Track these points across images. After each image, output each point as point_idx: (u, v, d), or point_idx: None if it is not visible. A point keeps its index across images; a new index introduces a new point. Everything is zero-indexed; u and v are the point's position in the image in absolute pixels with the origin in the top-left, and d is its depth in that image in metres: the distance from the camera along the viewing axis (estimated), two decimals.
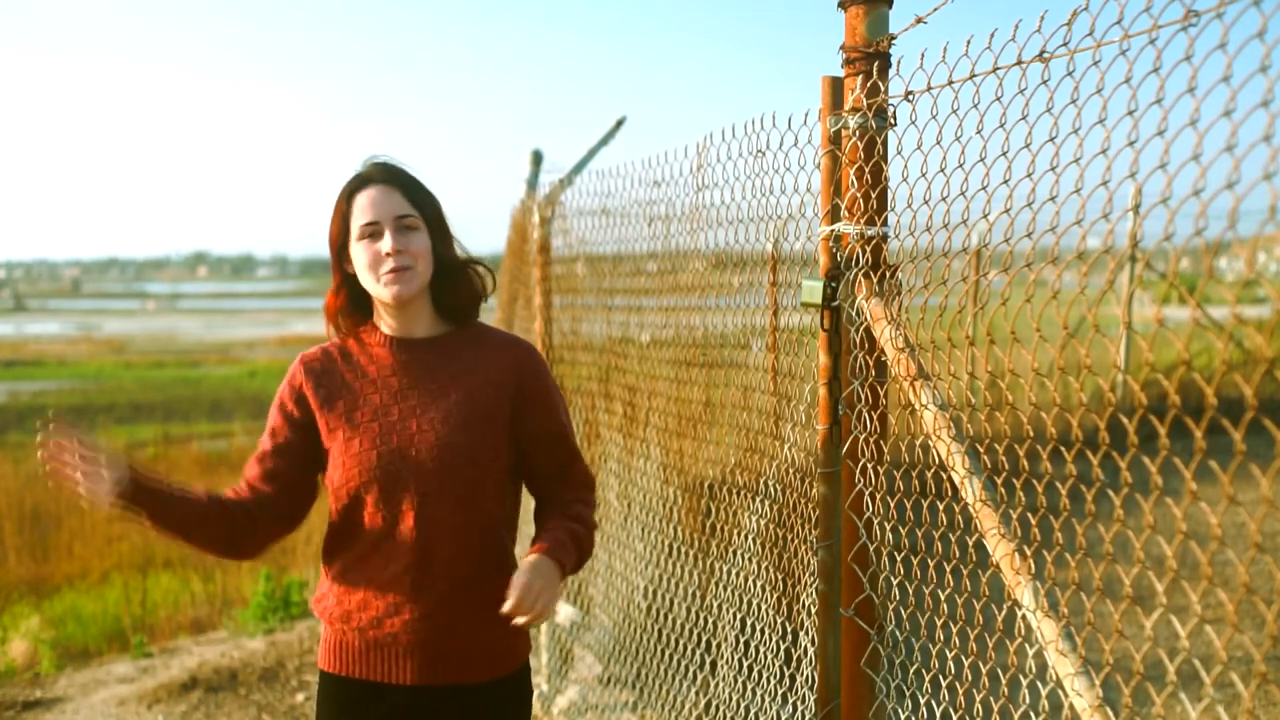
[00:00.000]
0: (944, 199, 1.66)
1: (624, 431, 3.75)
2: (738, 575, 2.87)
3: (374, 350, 1.94)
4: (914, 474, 1.79)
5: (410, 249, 1.83)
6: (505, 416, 1.91)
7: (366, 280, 1.86)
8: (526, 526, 2.76)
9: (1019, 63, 1.48)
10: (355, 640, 1.91)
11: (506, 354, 1.95)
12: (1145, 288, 12.31)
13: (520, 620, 1.72)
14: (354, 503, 1.89)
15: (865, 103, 1.81)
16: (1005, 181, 1.51)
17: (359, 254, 1.85)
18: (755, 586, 2.75)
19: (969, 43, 1.56)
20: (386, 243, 1.82)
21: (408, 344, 1.93)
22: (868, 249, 1.83)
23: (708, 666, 3.12)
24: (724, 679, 2.98)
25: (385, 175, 1.87)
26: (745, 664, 2.83)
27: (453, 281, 1.94)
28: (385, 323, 1.93)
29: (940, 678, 1.74)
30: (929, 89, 1.69)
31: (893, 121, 1.81)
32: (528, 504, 2.16)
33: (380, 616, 1.88)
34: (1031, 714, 1.50)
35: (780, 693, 2.63)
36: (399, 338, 1.93)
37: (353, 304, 1.94)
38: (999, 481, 1.57)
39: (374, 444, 1.86)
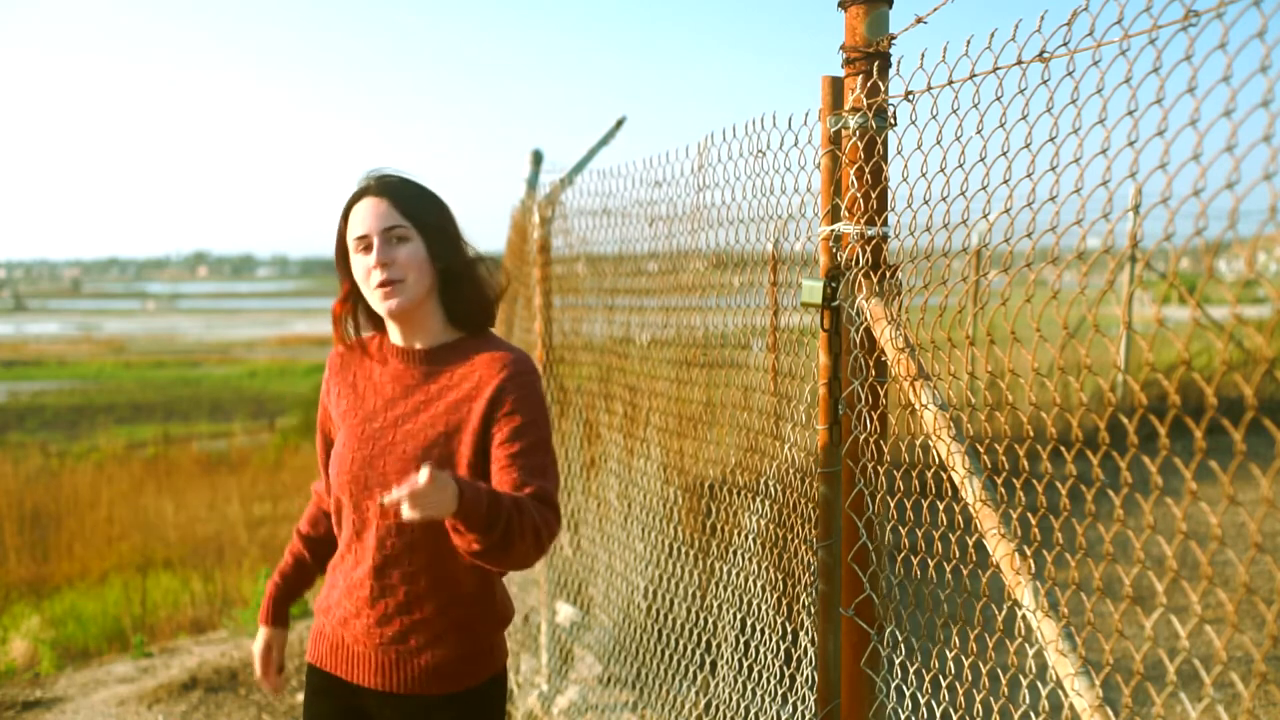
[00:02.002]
0: (944, 199, 1.66)
1: (624, 431, 3.75)
2: (738, 575, 2.87)
3: (383, 354, 1.97)
4: (914, 474, 1.79)
5: (398, 261, 1.82)
6: (478, 434, 1.84)
7: (364, 293, 1.89)
8: None
9: (1019, 63, 1.48)
10: (329, 635, 1.98)
11: (493, 371, 1.86)
12: (1145, 288, 12.31)
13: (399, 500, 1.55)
14: (338, 502, 1.95)
15: (865, 103, 1.81)
16: (1005, 181, 1.51)
17: (355, 267, 1.87)
18: (755, 586, 2.75)
19: (969, 43, 1.56)
20: (373, 256, 1.82)
21: (407, 353, 1.94)
22: (868, 249, 1.83)
23: (708, 666, 3.12)
24: (724, 679, 2.98)
25: (378, 187, 1.86)
26: (745, 664, 2.83)
27: (460, 287, 1.92)
28: (390, 331, 1.95)
29: (940, 678, 1.74)
30: (929, 89, 1.69)
31: (893, 121, 1.81)
32: None
33: (346, 616, 1.93)
34: (1031, 714, 1.50)
35: (780, 693, 2.63)
36: (401, 347, 1.95)
37: (365, 311, 1.97)
38: (999, 481, 1.57)
39: (353, 449, 1.90)
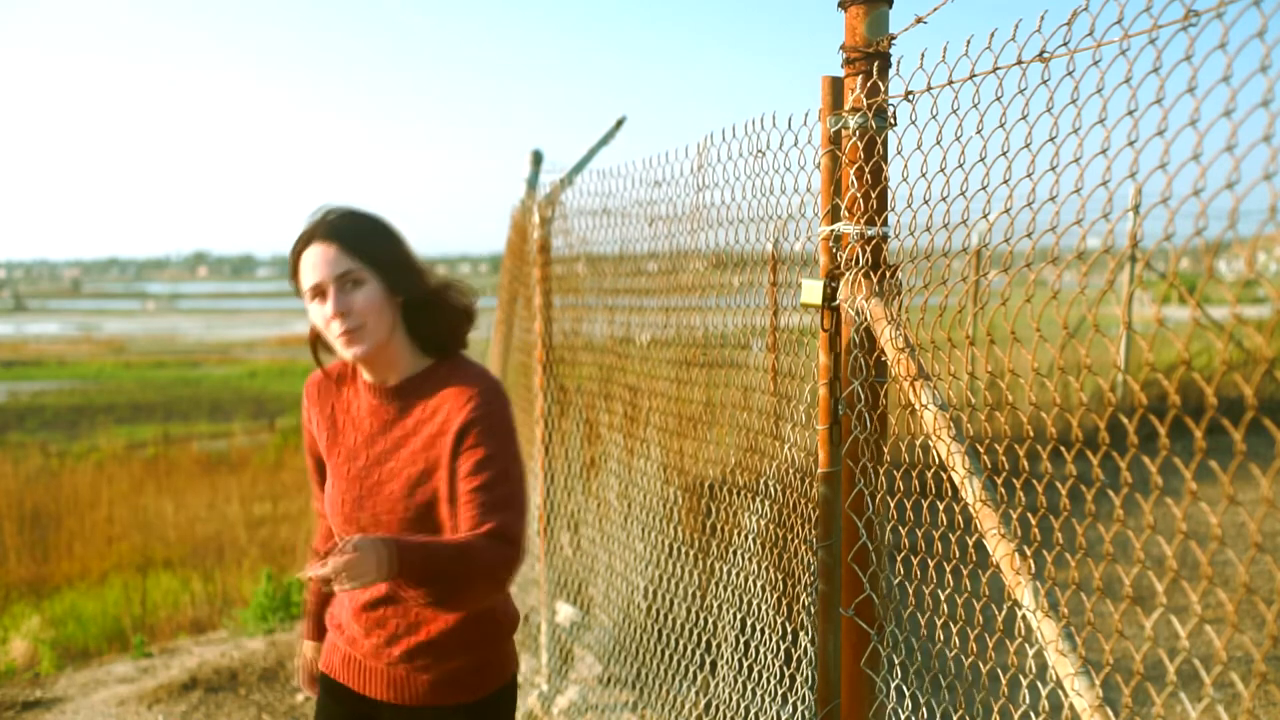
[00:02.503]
0: (944, 199, 1.66)
1: (624, 431, 3.75)
2: (738, 575, 2.87)
3: (356, 387, 1.96)
4: (914, 474, 1.79)
5: (355, 308, 1.77)
6: (451, 471, 1.82)
7: (327, 339, 1.84)
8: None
9: (1019, 63, 1.48)
10: (341, 649, 2.02)
11: (459, 404, 1.82)
12: (1145, 288, 12.31)
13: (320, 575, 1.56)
14: (337, 535, 1.97)
15: (865, 103, 1.81)
16: (1005, 181, 1.51)
17: (314, 314, 1.82)
18: (755, 586, 2.75)
19: (969, 43, 1.56)
20: (329, 306, 1.77)
21: (379, 389, 1.91)
22: (868, 249, 1.83)
23: (708, 666, 3.12)
24: (724, 679, 2.98)
25: (324, 231, 1.79)
26: (745, 664, 2.83)
27: (425, 315, 1.87)
28: (360, 369, 1.93)
29: (940, 678, 1.74)
30: (929, 89, 1.69)
31: (893, 121, 1.81)
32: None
33: (355, 636, 1.97)
34: (1031, 714, 1.50)
35: (780, 693, 2.63)
36: (372, 383, 1.92)
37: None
38: (999, 481, 1.56)
39: (343, 490, 1.91)
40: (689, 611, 3.21)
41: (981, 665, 1.61)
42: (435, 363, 1.90)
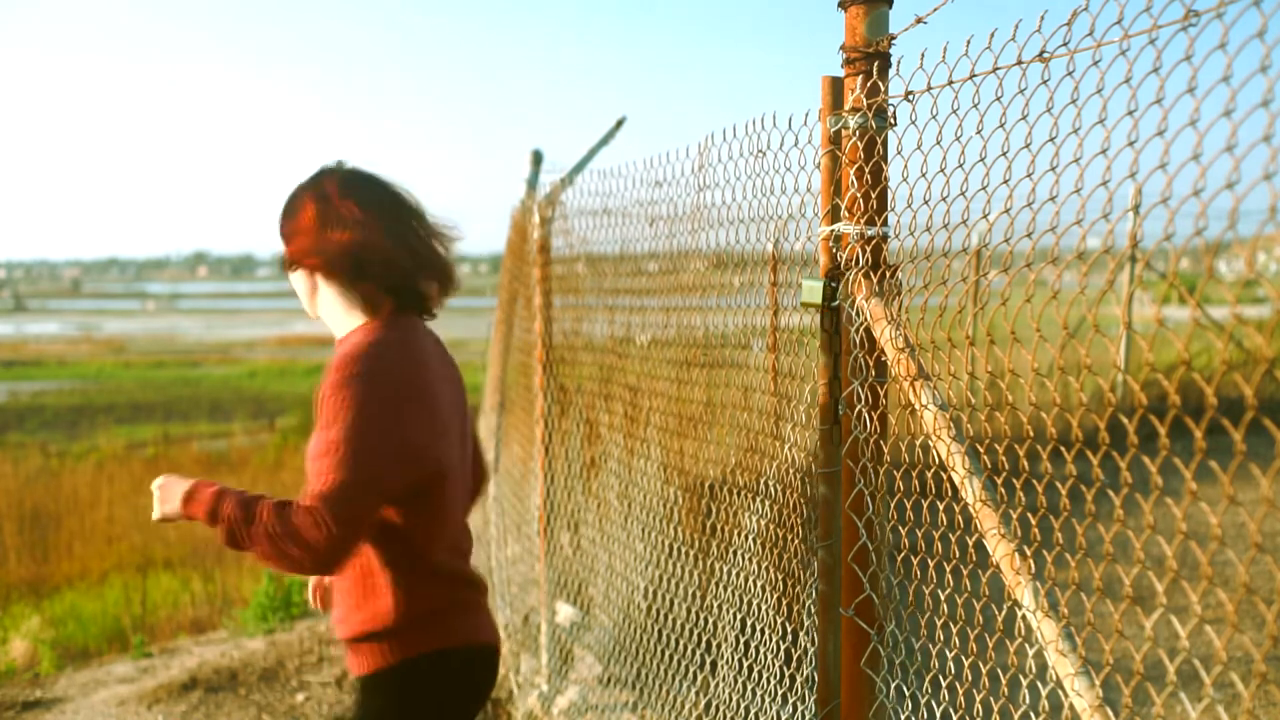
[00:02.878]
0: (944, 199, 1.66)
1: (624, 431, 3.75)
2: (738, 575, 2.87)
3: None
4: (914, 474, 1.79)
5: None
6: None
7: None
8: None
9: (1019, 63, 1.48)
10: None
11: (331, 366, 1.82)
12: (1145, 288, 12.31)
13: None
14: None
15: (865, 103, 1.81)
16: (1005, 181, 1.51)
17: None
18: (755, 586, 2.75)
19: (969, 43, 1.56)
20: None
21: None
22: (868, 249, 1.83)
23: (708, 666, 3.12)
24: (724, 679, 2.98)
25: None
26: (745, 664, 2.83)
27: (341, 278, 1.92)
28: None
29: (940, 678, 1.74)
30: (929, 89, 1.69)
31: (893, 121, 1.81)
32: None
33: None
34: (1031, 714, 1.50)
35: (780, 693, 2.63)
36: None
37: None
38: (999, 481, 1.57)
39: None
40: (689, 611, 3.21)
41: (981, 665, 1.61)
42: (363, 324, 1.93)
